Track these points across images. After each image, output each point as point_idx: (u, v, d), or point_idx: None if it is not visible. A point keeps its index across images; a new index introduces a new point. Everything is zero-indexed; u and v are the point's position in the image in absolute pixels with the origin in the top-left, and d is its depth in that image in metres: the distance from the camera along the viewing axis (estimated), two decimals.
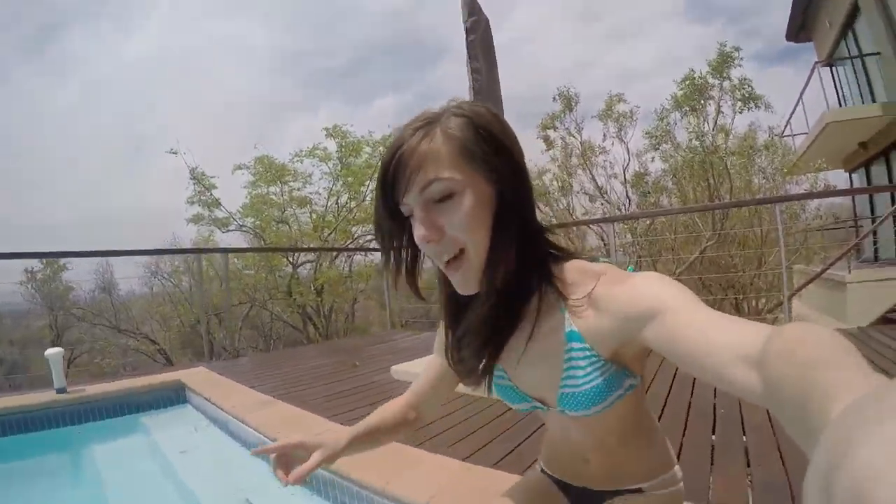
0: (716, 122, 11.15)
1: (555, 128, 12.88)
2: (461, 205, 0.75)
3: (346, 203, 13.93)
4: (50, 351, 3.98)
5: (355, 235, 14.07)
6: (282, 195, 13.68)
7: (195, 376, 4.45)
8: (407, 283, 0.90)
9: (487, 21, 3.86)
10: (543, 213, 11.91)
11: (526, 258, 0.82)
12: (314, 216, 13.91)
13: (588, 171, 12.60)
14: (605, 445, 0.99)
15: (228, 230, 13.73)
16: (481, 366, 0.91)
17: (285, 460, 0.98)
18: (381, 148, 13.37)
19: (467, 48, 3.65)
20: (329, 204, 14.12)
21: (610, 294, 0.78)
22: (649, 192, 11.95)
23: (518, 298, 0.85)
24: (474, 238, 0.77)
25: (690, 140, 11.17)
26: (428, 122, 0.77)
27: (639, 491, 1.03)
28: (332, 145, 13.67)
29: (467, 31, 3.68)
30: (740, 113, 11.03)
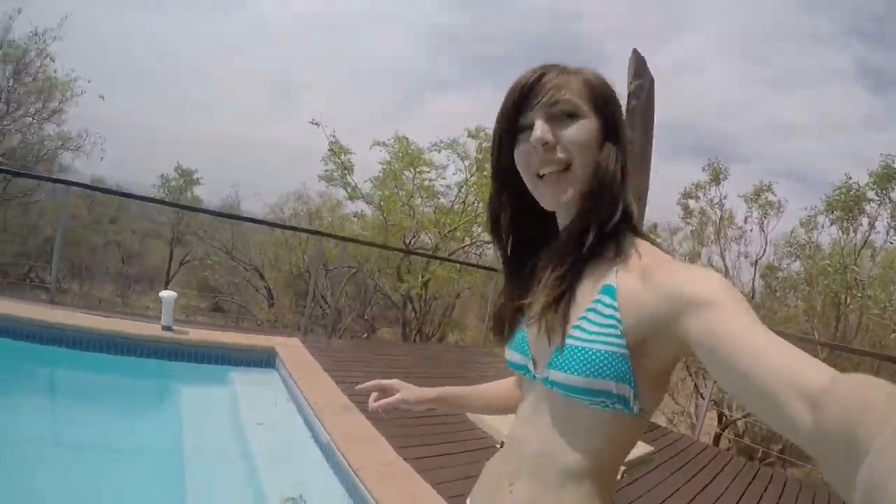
0: (866, 240, 10.35)
1: (697, 198, 12.45)
2: (584, 126, 0.83)
3: (474, 204, 13.97)
4: (164, 293, 4.46)
5: (474, 236, 14.12)
6: (413, 180, 13.93)
7: (289, 349, 4.73)
8: (492, 229, 1.02)
9: (652, 81, 3.72)
10: None
11: (609, 212, 0.85)
12: (437, 210, 14.05)
13: (720, 247, 12.14)
14: (547, 468, 0.88)
15: (356, 199, 14.25)
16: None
17: (380, 394, 1.23)
18: None
19: (626, 113, 3.53)
20: (455, 200, 14.21)
21: (664, 268, 0.77)
22: (777, 290, 11.32)
23: (591, 240, 0.85)
24: (585, 160, 0.83)
25: (832, 253, 10.44)
26: (567, 69, 0.86)
27: None
28: (471, 145, 13.68)
29: (629, 96, 3.54)
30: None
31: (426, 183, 14.03)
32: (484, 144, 13.38)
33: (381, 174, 13.88)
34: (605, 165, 0.84)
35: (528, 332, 0.93)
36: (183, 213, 20.98)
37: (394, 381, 1.25)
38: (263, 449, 3.21)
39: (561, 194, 0.85)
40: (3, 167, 11.51)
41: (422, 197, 14.13)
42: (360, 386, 1.27)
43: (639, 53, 3.70)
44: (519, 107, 0.85)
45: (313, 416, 3.34)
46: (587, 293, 0.83)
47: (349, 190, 14.11)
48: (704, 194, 12.36)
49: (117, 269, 21.21)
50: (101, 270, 19.65)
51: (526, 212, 0.96)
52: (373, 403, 1.22)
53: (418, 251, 13.19)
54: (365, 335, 13.89)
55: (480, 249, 14.58)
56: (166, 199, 20.43)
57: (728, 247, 12.22)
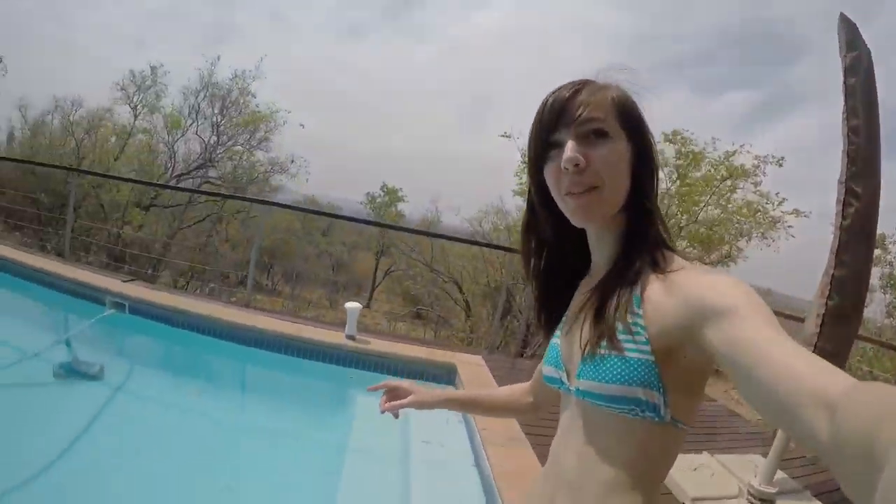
0: None
1: None
2: (613, 146, 0.84)
3: (677, 216, 13.09)
4: (349, 304, 4.77)
5: (679, 251, 13.31)
6: None
7: (470, 367, 4.68)
8: (526, 233, 1.05)
9: (870, 55, 2.86)
10: None
11: (642, 228, 0.89)
12: None
13: None
14: (584, 483, 0.88)
15: None
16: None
17: (392, 395, 1.32)
18: (722, 167, 12.41)
19: (844, 95, 2.76)
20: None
21: (687, 277, 0.78)
22: None
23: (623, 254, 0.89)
24: (614, 180, 0.84)
25: None
26: (600, 86, 0.87)
27: None
28: (669, 150, 12.90)
29: (845, 71, 2.77)
30: None
31: None
32: (683, 150, 12.64)
33: None
34: (638, 184, 0.87)
35: (561, 345, 0.96)
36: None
37: (405, 382, 1.34)
38: (422, 466, 3.28)
39: (589, 214, 0.87)
40: (217, 192, 13.56)
41: None
42: (371, 386, 1.36)
43: (848, 20, 2.87)
44: (551, 124, 0.87)
45: (480, 444, 3.27)
46: (625, 305, 0.84)
47: None
48: None
49: (327, 275, 23.45)
50: (313, 277, 21.82)
51: (558, 226, 0.97)
52: (384, 405, 1.30)
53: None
54: None
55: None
56: (372, 216, 22.49)
57: None
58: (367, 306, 22.14)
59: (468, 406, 1.39)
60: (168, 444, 3.24)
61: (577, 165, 0.82)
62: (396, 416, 1.32)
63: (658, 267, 0.85)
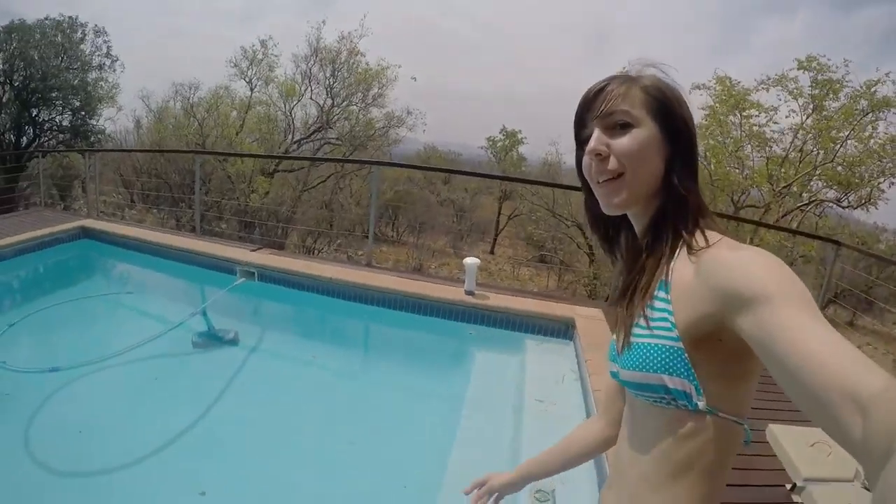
0: None
1: None
2: (635, 136, 0.86)
3: (812, 152, 11.94)
4: (468, 260, 4.92)
5: (813, 191, 12.13)
6: (740, 126, 12.46)
7: (588, 322, 4.56)
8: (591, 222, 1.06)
9: None
10: None
11: (673, 211, 0.88)
12: (769, 161, 12.27)
13: None
14: (632, 475, 0.92)
15: None
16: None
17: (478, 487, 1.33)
18: (862, 98, 10.99)
19: None
20: (790, 147, 12.23)
21: (717, 257, 0.76)
22: None
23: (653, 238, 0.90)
24: (636, 167, 0.86)
25: None
26: (629, 77, 0.90)
27: None
28: (804, 79, 11.65)
29: None
30: None
31: (755, 129, 12.37)
32: (819, 77, 11.29)
33: (703, 121, 12.75)
34: (669, 170, 0.88)
35: (616, 338, 0.95)
36: (506, 171, 22.65)
37: (486, 477, 1.33)
38: (534, 429, 3.30)
39: (612, 199, 0.89)
40: (332, 156, 14.60)
41: (751, 145, 12.55)
42: (466, 489, 1.36)
43: None
44: (582, 119, 0.92)
45: (593, 405, 3.26)
46: (649, 292, 0.86)
47: None
48: None
49: (450, 223, 23.75)
50: (436, 225, 22.18)
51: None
52: (475, 501, 1.31)
53: (739, 217, 11.58)
54: None
55: (821, 208, 12.44)
56: (492, 160, 22.39)
57: None
58: (491, 252, 22.33)
59: (543, 472, 1.31)
60: (299, 400, 3.65)
61: (598, 155, 0.88)
62: None
63: (682, 246, 0.85)
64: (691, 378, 0.77)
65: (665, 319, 0.80)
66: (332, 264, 5.65)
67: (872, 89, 11.00)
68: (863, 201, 11.92)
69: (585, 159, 0.92)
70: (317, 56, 16.50)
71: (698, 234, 0.84)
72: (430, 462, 3.07)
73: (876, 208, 11.97)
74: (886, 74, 10.85)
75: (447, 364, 4.58)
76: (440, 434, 3.37)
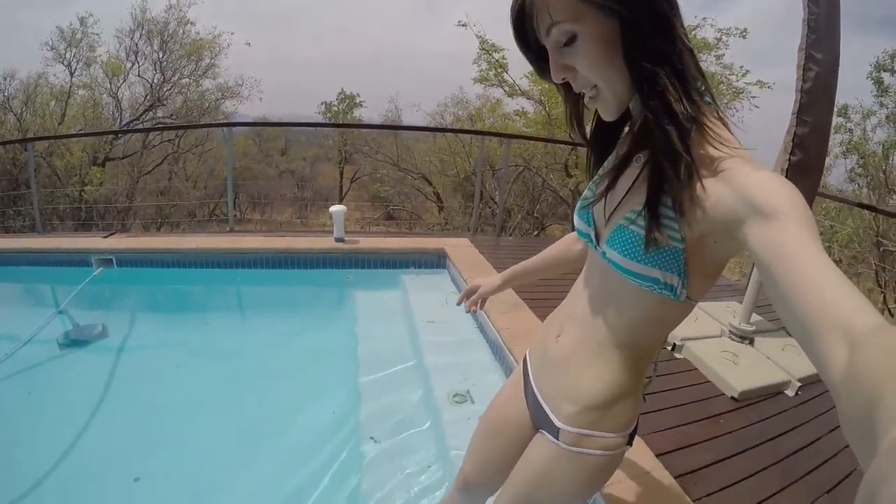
0: None
1: (894, 71, 10.31)
2: (583, 47, 0.75)
3: None
4: (334, 208, 4.70)
5: None
6: None
7: (459, 249, 4.76)
8: (570, 124, 0.98)
9: None
10: None
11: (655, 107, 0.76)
12: None
13: None
14: (589, 328, 1.00)
15: (516, 96, 13.93)
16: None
17: (468, 296, 1.47)
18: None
19: None
20: None
21: (732, 169, 0.72)
22: None
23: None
24: (603, 76, 0.78)
25: None
26: None
27: (555, 431, 1.04)
28: None
29: None
30: None
31: None
32: None
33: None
34: (631, 64, 0.75)
35: (594, 200, 0.95)
36: (347, 133, 22.12)
37: (474, 283, 1.47)
38: (433, 347, 3.33)
39: (605, 113, 0.85)
40: (172, 125, 13.34)
41: None
42: (458, 300, 1.51)
43: None
44: (522, 36, 0.83)
45: (483, 314, 3.36)
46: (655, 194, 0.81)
47: (507, 88, 13.83)
48: None
49: (293, 194, 23.04)
50: (279, 197, 21.42)
51: None
52: (468, 308, 1.46)
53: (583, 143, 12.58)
54: (535, 233, 13.82)
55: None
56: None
57: None
58: None
59: (528, 276, 1.41)
60: (186, 379, 3.25)
61: (566, 81, 0.83)
62: (482, 307, 1.48)
63: (691, 146, 0.75)
64: (681, 275, 0.80)
65: (671, 218, 0.78)
66: (195, 235, 5.15)
67: (692, 32, 11.93)
68: None
69: (552, 77, 0.83)
70: (142, 29, 14.85)
71: (703, 131, 0.76)
72: (346, 397, 2.98)
73: None
74: (703, 19, 11.92)
75: (333, 308, 4.42)
76: (346, 369, 3.23)
